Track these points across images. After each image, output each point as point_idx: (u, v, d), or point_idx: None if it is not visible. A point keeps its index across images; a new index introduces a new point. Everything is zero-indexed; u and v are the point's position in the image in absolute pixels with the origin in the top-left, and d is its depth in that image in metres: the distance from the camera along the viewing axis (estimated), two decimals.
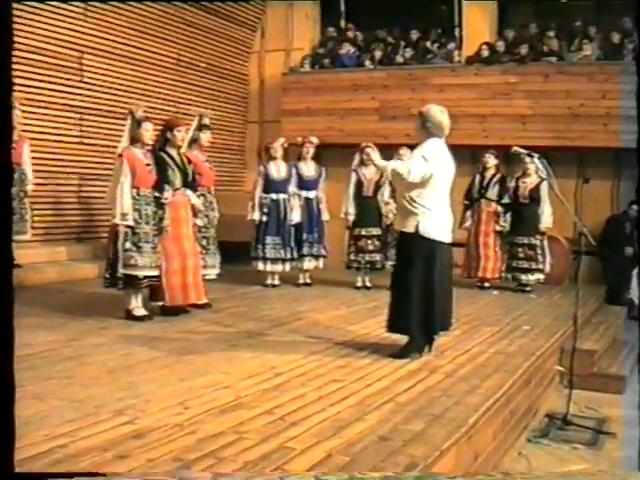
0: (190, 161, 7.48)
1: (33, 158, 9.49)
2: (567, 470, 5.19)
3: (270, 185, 9.35)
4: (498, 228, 9.72)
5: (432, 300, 5.49)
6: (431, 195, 5.41)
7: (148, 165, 6.88)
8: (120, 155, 6.83)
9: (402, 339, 5.75)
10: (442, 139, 5.56)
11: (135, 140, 6.84)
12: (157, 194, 6.94)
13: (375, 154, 5.49)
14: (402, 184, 5.55)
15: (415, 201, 5.41)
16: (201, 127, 8.11)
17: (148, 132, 6.85)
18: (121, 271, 6.72)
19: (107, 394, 4.44)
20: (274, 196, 9.36)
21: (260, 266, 9.42)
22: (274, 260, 9.40)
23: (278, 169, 9.38)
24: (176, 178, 7.13)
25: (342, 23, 12.01)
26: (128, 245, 6.72)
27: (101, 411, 4.09)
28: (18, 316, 6.88)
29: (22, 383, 4.57)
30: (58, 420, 3.90)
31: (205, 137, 8.12)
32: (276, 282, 9.58)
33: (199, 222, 7.62)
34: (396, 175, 5.43)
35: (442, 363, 5.51)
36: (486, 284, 9.86)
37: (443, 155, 5.53)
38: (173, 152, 7.23)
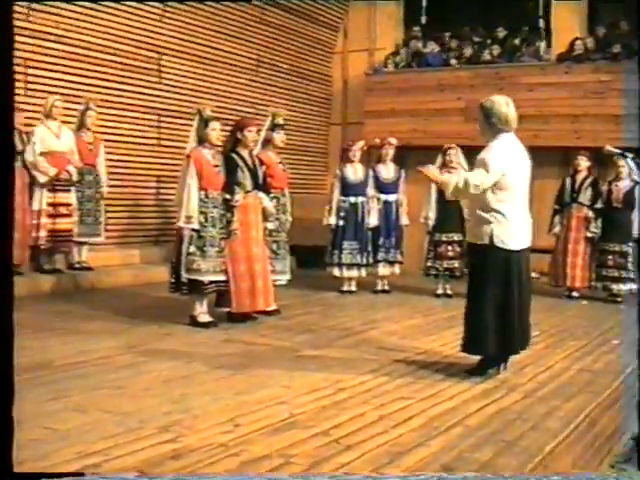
0: (262, 162, 7.24)
1: (111, 160, 9.44)
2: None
3: (348, 188, 9.05)
4: (589, 234, 9.16)
5: (511, 316, 5.03)
6: (506, 199, 4.92)
7: (216, 166, 6.66)
8: (188, 156, 6.64)
9: None
10: (511, 133, 5.05)
11: (203, 140, 6.64)
12: (227, 196, 6.72)
13: (434, 172, 5.12)
14: (469, 195, 5.13)
15: (489, 207, 4.94)
16: (274, 127, 7.82)
17: (215, 131, 6.62)
18: (184, 276, 6.52)
19: (155, 407, 4.19)
20: (352, 199, 9.06)
21: (336, 272, 9.13)
22: (350, 266, 9.09)
23: (355, 172, 9.07)
24: (246, 180, 6.88)
25: (423, 19, 11.62)
26: (192, 249, 6.52)
27: (145, 426, 3.83)
28: (83, 320, 6.87)
29: (68, 393, 4.40)
30: (97, 435, 3.65)
31: (278, 137, 7.82)
32: (353, 288, 9.26)
33: (270, 226, 7.35)
34: (459, 191, 5.04)
35: (521, 381, 5.07)
36: (575, 293, 9.32)
37: (515, 153, 5.01)
38: (244, 153, 6.97)
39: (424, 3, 10.94)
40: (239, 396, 4.48)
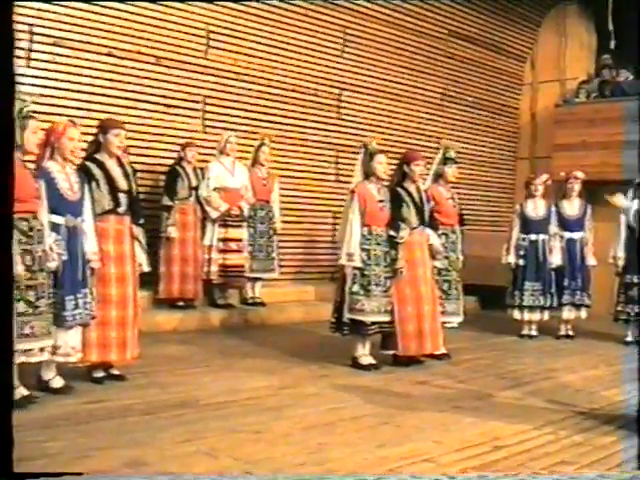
0: (430, 198, 6.90)
1: (288, 196, 9.45)
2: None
3: (528, 225, 8.51)
4: None
5: None
6: None
7: (381, 202, 6.38)
8: (352, 191, 6.42)
9: None
10: None
11: (369, 174, 6.39)
12: (392, 233, 6.43)
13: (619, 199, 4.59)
14: None
15: None
16: (446, 160, 7.46)
17: (381, 165, 6.34)
18: (347, 316, 6.24)
19: (289, 456, 3.93)
20: (533, 237, 8.51)
21: (516, 314, 8.59)
22: (532, 308, 8.52)
23: (536, 207, 8.52)
24: (411, 215, 6.56)
25: (612, 44, 10.84)
26: (356, 288, 6.24)
27: (274, 477, 3.58)
28: (244, 357, 6.77)
29: (204, 435, 4.24)
30: None
31: (450, 171, 7.45)
32: (533, 332, 8.65)
33: (438, 264, 6.98)
34: None
35: None
36: None
37: None
38: (411, 187, 6.67)
39: (611, 26, 10.17)
40: (381, 449, 4.14)
